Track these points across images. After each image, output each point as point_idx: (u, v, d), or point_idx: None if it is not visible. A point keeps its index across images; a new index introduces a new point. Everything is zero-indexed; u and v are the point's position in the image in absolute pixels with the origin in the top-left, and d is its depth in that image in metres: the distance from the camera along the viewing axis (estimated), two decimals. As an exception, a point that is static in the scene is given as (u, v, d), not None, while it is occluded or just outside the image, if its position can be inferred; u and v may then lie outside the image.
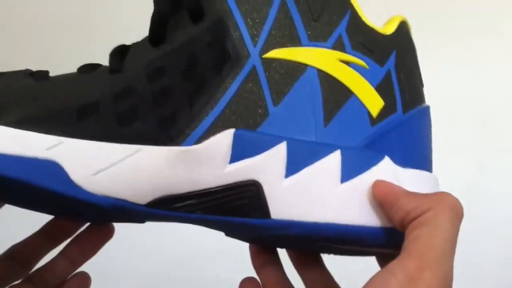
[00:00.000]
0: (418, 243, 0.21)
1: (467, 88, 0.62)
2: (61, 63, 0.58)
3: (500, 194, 0.60)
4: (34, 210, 0.28)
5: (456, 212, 0.22)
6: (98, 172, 0.22)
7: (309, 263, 0.31)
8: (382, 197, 0.23)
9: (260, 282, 0.30)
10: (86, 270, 0.29)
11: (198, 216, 0.23)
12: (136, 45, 0.27)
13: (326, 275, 0.31)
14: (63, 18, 0.63)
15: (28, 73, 0.27)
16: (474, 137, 0.62)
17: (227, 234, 0.27)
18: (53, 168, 0.22)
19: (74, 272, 0.29)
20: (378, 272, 0.20)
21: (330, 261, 0.31)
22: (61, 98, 0.24)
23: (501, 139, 0.61)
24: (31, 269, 0.29)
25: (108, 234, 0.29)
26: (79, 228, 0.29)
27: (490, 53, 0.63)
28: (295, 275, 0.31)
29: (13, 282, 0.28)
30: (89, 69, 0.26)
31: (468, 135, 0.61)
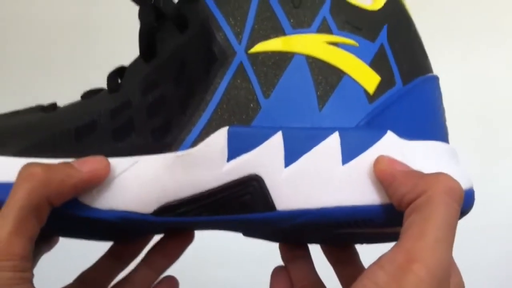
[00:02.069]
0: (410, 231, 0.19)
1: (469, 87, 0.60)
2: (61, 63, 0.61)
3: (503, 193, 0.57)
4: (65, 236, 0.29)
5: (452, 195, 0.20)
6: (101, 188, 0.23)
7: (344, 258, 0.30)
8: (380, 176, 0.21)
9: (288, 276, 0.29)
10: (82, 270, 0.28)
11: (205, 219, 0.23)
12: (131, 64, 0.28)
13: (360, 270, 0.30)
14: (63, 18, 0.64)
15: (40, 108, 0.28)
16: (477, 136, 0.60)
17: (245, 234, 0.27)
18: None
19: (159, 279, 0.29)
20: (369, 266, 0.19)
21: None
22: (62, 123, 0.25)
23: (504, 138, 0.59)
24: None
25: (189, 237, 0.29)
26: (145, 246, 0.29)
27: (493, 52, 0.61)
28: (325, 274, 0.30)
29: None
30: (91, 95, 0.27)
31: (471, 134, 0.59)
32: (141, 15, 0.27)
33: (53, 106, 0.28)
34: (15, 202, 0.21)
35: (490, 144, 0.60)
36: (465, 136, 0.58)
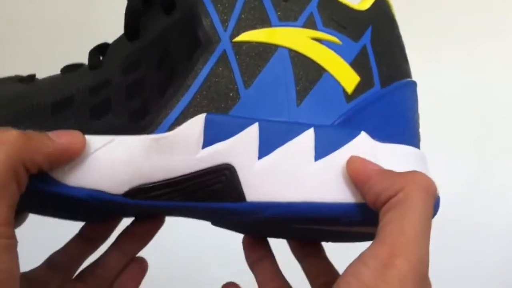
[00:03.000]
0: (390, 227, 0.20)
1: (469, 86, 0.61)
2: (61, 63, 0.60)
3: (503, 192, 0.58)
4: (34, 213, 0.28)
5: (428, 191, 0.20)
6: (73, 165, 0.23)
7: (311, 253, 0.31)
8: (354, 175, 0.22)
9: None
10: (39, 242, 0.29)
11: (176, 204, 0.23)
12: (114, 42, 0.27)
13: (327, 265, 0.30)
14: (63, 18, 0.64)
15: (17, 79, 0.28)
16: (477, 136, 0.60)
17: (213, 223, 0.27)
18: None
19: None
20: (351, 262, 0.20)
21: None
22: (40, 95, 0.25)
23: (503, 137, 0.60)
24: (73, 275, 0.29)
25: (158, 222, 0.29)
26: (114, 229, 0.29)
27: (492, 51, 0.61)
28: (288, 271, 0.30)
29: None
30: (71, 69, 0.27)
31: (471, 134, 0.60)
32: None
33: (31, 77, 0.28)
34: None
35: (490, 143, 0.60)
36: (465, 135, 0.59)
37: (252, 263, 0.30)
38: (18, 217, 0.28)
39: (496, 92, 0.61)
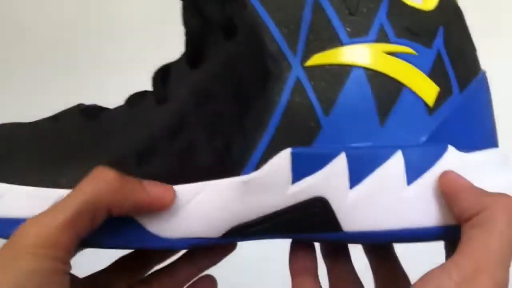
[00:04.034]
0: (474, 244, 0.20)
1: None
2: (62, 63, 0.59)
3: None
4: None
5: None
6: (170, 217, 0.23)
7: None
8: (445, 189, 0.22)
9: None
10: (83, 268, 0.28)
11: (269, 237, 0.24)
12: (175, 67, 0.26)
13: (395, 264, 0.30)
14: (63, 18, 0.63)
15: (78, 111, 0.27)
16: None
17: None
18: (129, 223, 0.22)
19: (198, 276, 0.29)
20: (433, 270, 0.20)
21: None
22: (119, 143, 0.24)
23: (504, 138, 0.58)
24: (139, 277, 0.29)
25: (232, 245, 0.29)
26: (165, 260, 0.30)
27: (492, 51, 0.58)
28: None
29: None
30: (137, 100, 0.26)
31: None
32: (185, 18, 0.25)
33: (96, 110, 0.27)
34: (78, 196, 0.21)
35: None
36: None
37: (329, 263, 0.30)
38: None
39: (496, 93, 0.59)
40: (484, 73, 0.26)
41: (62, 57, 0.60)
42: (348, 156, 0.23)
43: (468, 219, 0.21)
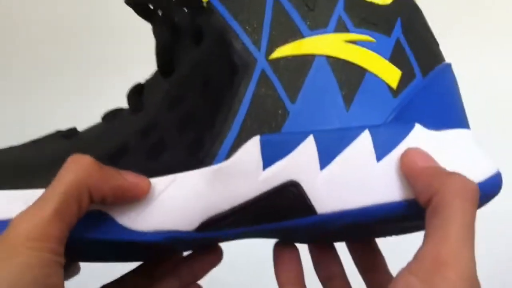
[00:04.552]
0: (433, 236, 0.19)
1: (469, 85, 0.60)
2: (62, 63, 0.60)
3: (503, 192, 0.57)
4: (99, 262, 0.28)
5: (467, 197, 0.20)
6: (142, 210, 0.23)
7: (372, 266, 0.30)
8: (403, 170, 0.22)
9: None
10: (88, 272, 0.28)
11: (247, 229, 0.24)
12: (149, 81, 0.28)
13: (379, 259, 0.30)
14: (63, 17, 0.64)
15: (59, 135, 0.28)
16: (476, 135, 0.60)
17: (284, 239, 0.27)
18: (101, 218, 0.22)
19: None
20: (400, 272, 0.20)
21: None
22: (91, 151, 0.25)
23: (503, 138, 0.59)
24: None
25: (218, 257, 0.29)
26: (174, 263, 0.29)
27: (492, 50, 0.61)
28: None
29: None
30: (112, 116, 0.27)
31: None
32: (156, 32, 0.27)
33: (73, 131, 0.28)
34: (60, 186, 0.21)
35: (489, 142, 0.60)
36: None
37: (325, 279, 0.29)
38: (71, 269, 0.28)
39: (496, 93, 0.60)
40: (449, 65, 0.27)
41: (62, 57, 0.60)
42: (316, 138, 0.23)
43: (425, 203, 0.21)
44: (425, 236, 0.20)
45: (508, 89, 0.60)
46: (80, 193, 0.21)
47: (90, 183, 0.22)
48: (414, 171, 0.22)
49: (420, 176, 0.21)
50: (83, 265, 0.28)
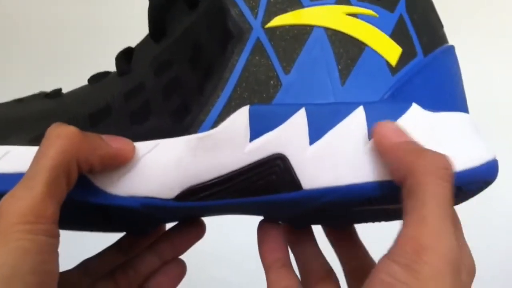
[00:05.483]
0: (411, 220, 0.18)
1: (469, 85, 0.59)
2: (62, 63, 0.59)
3: (502, 192, 0.56)
4: (80, 230, 0.28)
5: (442, 175, 0.19)
6: (122, 174, 0.22)
7: (343, 237, 0.29)
8: (377, 148, 0.21)
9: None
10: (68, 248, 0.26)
11: (228, 202, 0.23)
12: (139, 45, 0.27)
13: (360, 249, 0.29)
14: (63, 17, 0.63)
15: (43, 95, 0.27)
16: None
17: (266, 216, 0.26)
18: (79, 180, 0.21)
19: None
20: (381, 259, 0.18)
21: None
22: (73, 109, 0.24)
23: (502, 138, 0.58)
24: (104, 276, 0.28)
25: (199, 232, 0.28)
26: (154, 238, 0.29)
27: (492, 50, 0.59)
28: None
29: None
30: (99, 78, 0.26)
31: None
32: None
33: (58, 92, 0.27)
34: (46, 161, 0.19)
35: (490, 143, 0.59)
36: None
37: (293, 246, 0.28)
38: None
39: (495, 92, 0.59)
40: (452, 47, 0.26)
41: (62, 57, 0.59)
42: (308, 112, 0.22)
43: (399, 183, 0.20)
44: (404, 219, 0.19)
45: (508, 89, 0.59)
46: (69, 166, 0.20)
47: (78, 154, 0.20)
48: (385, 147, 0.21)
49: (391, 152, 0.20)
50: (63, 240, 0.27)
